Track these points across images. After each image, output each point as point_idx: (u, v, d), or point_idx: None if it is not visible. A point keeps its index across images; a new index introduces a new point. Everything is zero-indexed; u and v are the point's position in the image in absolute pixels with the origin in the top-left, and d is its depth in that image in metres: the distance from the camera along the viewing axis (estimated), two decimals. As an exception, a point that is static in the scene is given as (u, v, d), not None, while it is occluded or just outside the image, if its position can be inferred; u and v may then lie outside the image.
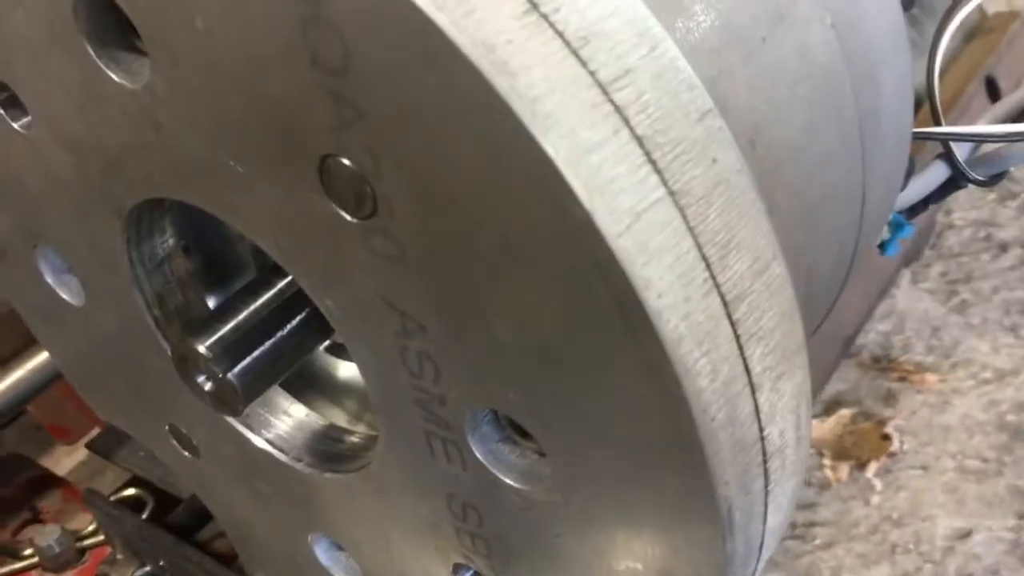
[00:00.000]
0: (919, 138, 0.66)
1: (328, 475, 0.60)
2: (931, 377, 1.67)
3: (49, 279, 0.68)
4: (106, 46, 0.49)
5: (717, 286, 0.39)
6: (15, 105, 0.57)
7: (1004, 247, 1.86)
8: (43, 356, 1.01)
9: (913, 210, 0.76)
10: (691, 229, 0.38)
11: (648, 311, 0.36)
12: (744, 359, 0.40)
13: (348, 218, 0.44)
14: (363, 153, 0.41)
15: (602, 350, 0.39)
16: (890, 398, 1.63)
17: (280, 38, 0.39)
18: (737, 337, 0.40)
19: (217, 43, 0.42)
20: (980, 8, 1.63)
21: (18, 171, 0.61)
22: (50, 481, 1.17)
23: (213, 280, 0.65)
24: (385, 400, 0.51)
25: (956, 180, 0.74)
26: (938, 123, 0.70)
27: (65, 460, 1.35)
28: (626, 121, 0.37)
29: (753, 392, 0.40)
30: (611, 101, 0.37)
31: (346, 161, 0.42)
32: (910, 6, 0.62)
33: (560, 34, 0.37)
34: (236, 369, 0.54)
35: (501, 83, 0.35)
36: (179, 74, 0.45)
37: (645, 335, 0.37)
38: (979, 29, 1.64)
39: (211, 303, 0.65)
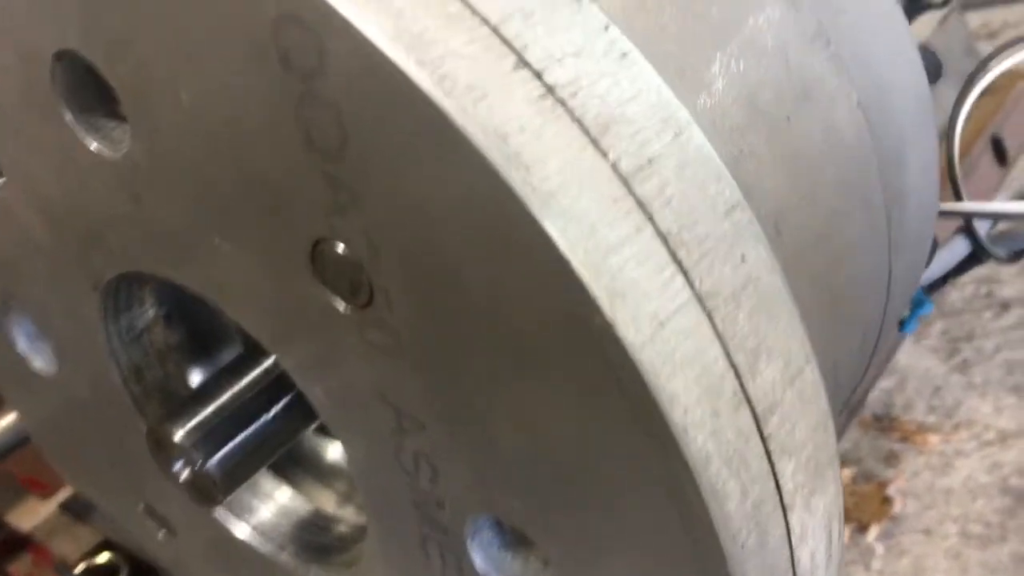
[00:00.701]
0: (942, 216, 0.63)
1: (314, 570, 0.56)
2: (933, 438, 1.63)
3: (21, 345, 0.64)
4: (85, 112, 0.45)
5: (747, 397, 0.35)
6: (-11, 166, 0.54)
7: (1006, 305, 1.83)
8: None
9: (931, 285, 0.73)
10: (719, 335, 0.35)
11: (673, 429, 0.33)
12: (775, 477, 0.36)
13: (342, 307, 0.40)
14: (359, 240, 0.37)
15: (619, 466, 0.35)
16: (892, 459, 1.59)
17: (271, 115, 0.36)
18: (768, 453, 0.36)
19: (202, 117, 0.39)
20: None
21: (-9, 233, 0.57)
22: (20, 542, 1.12)
23: (195, 352, 0.61)
24: (377, 499, 0.47)
25: (977, 256, 0.71)
26: (959, 198, 0.67)
27: (32, 514, 1.30)
28: (649, 217, 0.34)
29: (784, 513, 0.36)
30: (633, 195, 0.34)
31: (341, 247, 0.38)
32: (936, 79, 0.59)
33: (578, 121, 0.34)
34: (216, 458, 0.50)
35: (514, 177, 0.31)
36: (161, 146, 0.42)
37: (669, 454, 0.33)
38: (977, 69, 1.63)
39: (193, 376, 0.61)
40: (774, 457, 0.36)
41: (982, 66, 0.70)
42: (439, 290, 0.36)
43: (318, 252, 0.39)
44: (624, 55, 0.36)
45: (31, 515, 1.27)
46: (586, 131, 0.33)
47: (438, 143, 0.32)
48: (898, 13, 0.55)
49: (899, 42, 0.54)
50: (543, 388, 0.35)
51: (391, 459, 0.44)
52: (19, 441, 0.98)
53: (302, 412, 0.54)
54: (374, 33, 0.31)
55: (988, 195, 1.13)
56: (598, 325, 0.32)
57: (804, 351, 0.38)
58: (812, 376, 0.38)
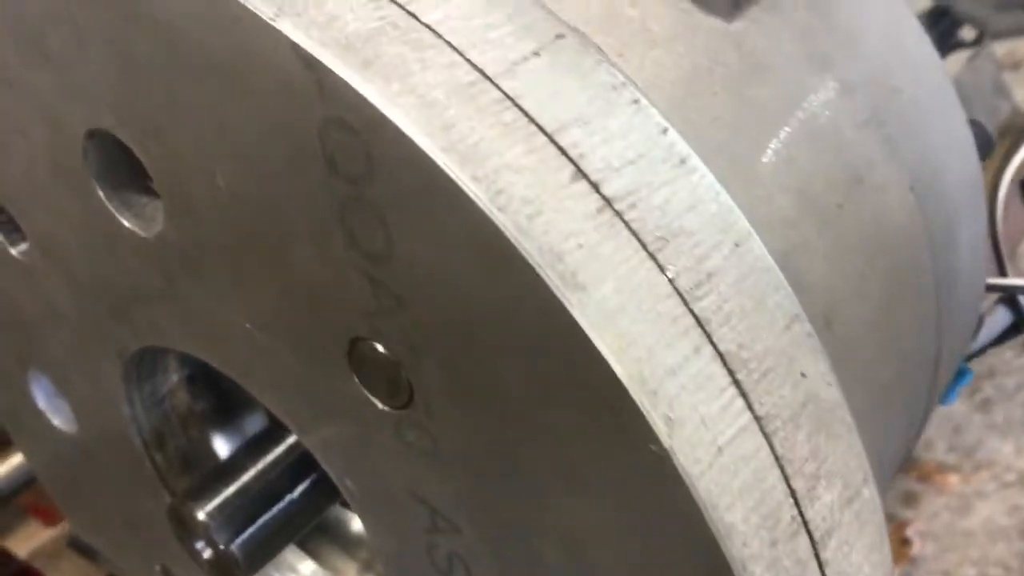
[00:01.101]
0: (987, 290, 0.61)
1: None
2: (953, 478, 1.60)
3: (41, 404, 0.63)
4: (116, 188, 0.44)
5: (805, 523, 0.34)
6: (14, 229, 0.52)
7: (1027, 344, 1.80)
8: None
9: (971, 355, 0.71)
10: (778, 459, 0.33)
11: (731, 562, 0.31)
12: (831, 603, 0.35)
13: (378, 405, 0.38)
14: (401, 343, 0.36)
15: (670, 595, 0.33)
16: (911, 499, 1.57)
17: (313, 214, 0.35)
18: (824, 579, 0.34)
19: (241, 206, 0.37)
20: (1013, 104, 1.60)
21: (12, 294, 0.56)
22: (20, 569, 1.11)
23: (218, 418, 0.60)
24: (406, 592, 0.46)
25: (1019, 326, 0.69)
26: (1002, 271, 0.65)
27: (30, 540, 1.28)
28: (708, 336, 0.32)
29: (840, 643, 0.35)
30: (691, 312, 0.32)
31: (380, 347, 0.37)
32: (987, 154, 0.58)
33: (636, 234, 0.32)
34: (239, 539, 0.49)
35: (570, 298, 0.30)
36: (196, 229, 0.40)
37: (724, 587, 0.32)
38: (1011, 127, 1.60)
39: (216, 443, 0.59)
40: (831, 584, 0.34)
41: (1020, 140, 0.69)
42: (483, 400, 0.34)
43: (356, 350, 0.38)
44: (683, 161, 0.34)
45: (30, 540, 1.25)
46: (644, 246, 0.32)
47: (491, 257, 0.31)
48: (950, 89, 0.53)
49: (952, 120, 0.52)
50: (593, 509, 0.34)
51: (423, 555, 0.43)
52: (30, 480, 0.97)
53: (328, 490, 0.53)
54: (427, 144, 0.30)
55: (1017, 241, 1.11)
56: (654, 453, 0.30)
57: (862, 470, 0.36)
58: (870, 494, 0.36)
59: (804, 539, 0.33)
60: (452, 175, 0.30)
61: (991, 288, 0.63)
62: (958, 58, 1.38)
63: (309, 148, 0.33)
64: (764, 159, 0.43)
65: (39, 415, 0.63)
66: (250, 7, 0.31)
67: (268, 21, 0.31)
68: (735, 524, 0.31)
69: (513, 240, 0.30)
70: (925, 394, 0.53)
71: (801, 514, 0.33)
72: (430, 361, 0.35)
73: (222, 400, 0.61)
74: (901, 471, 1.60)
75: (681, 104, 0.42)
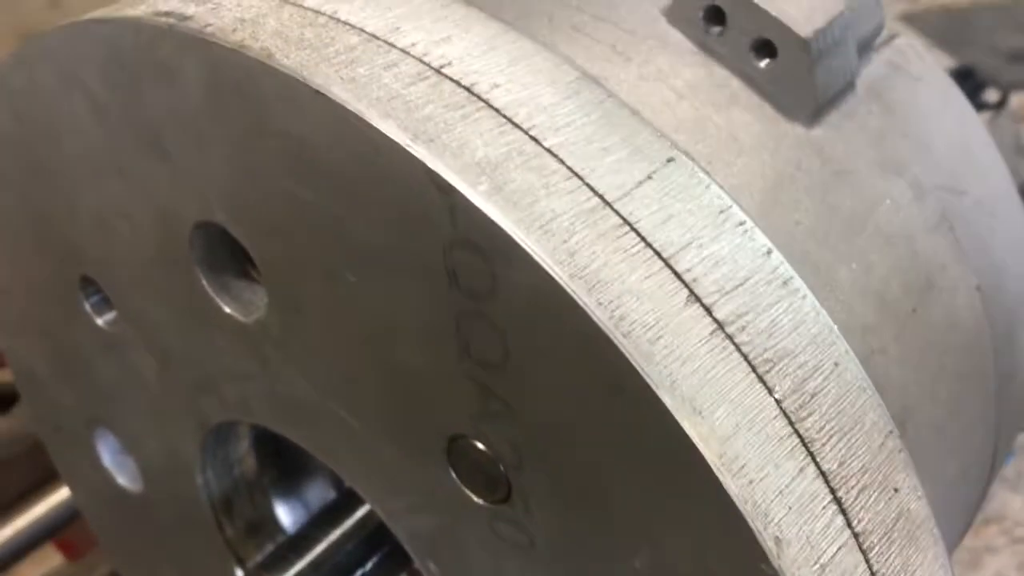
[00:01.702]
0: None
1: None
2: (963, 534, 1.61)
3: (106, 462, 0.64)
4: (218, 273, 0.46)
5: (896, 635, 0.35)
6: (102, 300, 0.54)
7: (1039, 401, 1.81)
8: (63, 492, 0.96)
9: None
10: (874, 574, 0.34)
11: (830, 677, 0.32)
12: None
13: (474, 499, 0.40)
14: (505, 445, 0.37)
15: None
16: (923, 556, 1.57)
17: (429, 322, 0.36)
18: None
19: (353, 306, 0.39)
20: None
21: (90, 358, 0.58)
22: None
23: (283, 484, 0.61)
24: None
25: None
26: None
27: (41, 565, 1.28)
28: (811, 456, 0.34)
29: None
30: (796, 433, 0.34)
31: (481, 446, 0.38)
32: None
33: (746, 357, 0.34)
34: (315, 612, 0.50)
35: (689, 423, 0.31)
36: (301, 322, 0.42)
37: None
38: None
39: (279, 511, 0.61)
40: None
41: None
42: (587, 505, 0.36)
43: (455, 447, 0.39)
44: (785, 283, 0.36)
45: (44, 562, 1.26)
46: (753, 368, 0.34)
47: (611, 379, 0.32)
48: (1013, 190, 0.55)
49: (1014, 220, 0.54)
50: (692, 616, 0.35)
51: (504, 640, 0.44)
52: (71, 517, 0.98)
53: (398, 561, 0.54)
54: (556, 271, 0.32)
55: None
56: (765, 572, 0.32)
57: (947, 578, 0.37)
58: (952, 603, 0.38)
59: (896, 652, 0.35)
60: (579, 301, 0.31)
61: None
62: (980, 119, 1.39)
63: (432, 263, 0.34)
64: (844, 266, 0.44)
65: (102, 472, 0.65)
66: (386, 132, 0.33)
67: (405, 147, 0.33)
68: (836, 640, 0.33)
69: (636, 365, 0.31)
70: (983, 485, 0.55)
71: (894, 628, 0.35)
72: (534, 465, 0.36)
73: (285, 467, 0.62)
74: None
75: (768, 211, 0.44)
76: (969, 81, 1.47)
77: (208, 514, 0.59)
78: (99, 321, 0.54)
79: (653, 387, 0.31)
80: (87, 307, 0.54)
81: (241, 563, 0.58)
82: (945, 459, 0.48)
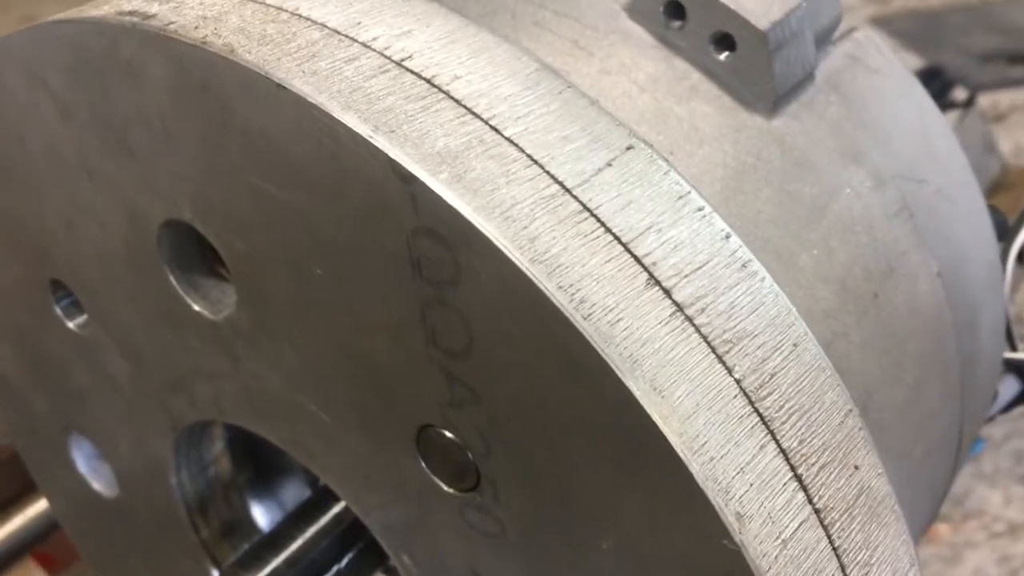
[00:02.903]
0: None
1: None
2: (942, 528, 1.62)
3: (81, 467, 0.64)
4: (187, 271, 0.46)
5: (859, 610, 0.36)
6: (73, 304, 0.54)
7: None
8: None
9: (980, 423, 0.73)
10: (836, 550, 0.35)
11: (794, 650, 0.33)
12: None
13: (444, 487, 0.40)
14: (472, 433, 0.38)
15: None
16: (902, 551, 1.58)
17: (395, 311, 0.37)
18: (876, 663, 0.36)
19: (321, 299, 0.39)
20: (1002, 161, 1.64)
21: (63, 362, 0.58)
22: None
23: (258, 485, 0.61)
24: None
25: (1028, 396, 0.71)
26: (1013, 346, 0.68)
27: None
28: (772, 434, 0.34)
29: None
30: (756, 412, 0.34)
31: (449, 434, 0.38)
32: (1002, 238, 0.60)
33: (705, 338, 0.34)
34: (290, 609, 0.50)
35: (650, 402, 0.32)
36: (270, 317, 0.42)
37: (787, 673, 0.33)
38: (1001, 184, 1.64)
39: (255, 512, 0.61)
40: (883, 667, 0.36)
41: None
42: (554, 489, 0.36)
43: (425, 436, 0.40)
44: (744, 265, 0.36)
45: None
46: (713, 349, 0.34)
47: (574, 363, 0.33)
48: (973, 180, 0.56)
49: (974, 208, 0.55)
50: (659, 596, 0.36)
51: (478, 630, 0.44)
52: (50, 528, 0.98)
53: (374, 557, 0.54)
54: (517, 256, 0.32)
55: (1016, 288, 1.14)
56: (727, 548, 0.32)
57: (909, 555, 0.38)
58: (915, 577, 0.38)
59: (859, 626, 0.35)
60: (539, 285, 0.32)
61: (1009, 363, 0.65)
62: (948, 118, 1.41)
63: (396, 252, 0.35)
64: (806, 252, 0.45)
65: (78, 478, 0.65)
66: (348, 124, 0.34)
67: (367, 138, 0.33)
68: (799, 614, 0.33)
69: (597, 347, 0.32)
70: (949, 468, 0.56)
71: (857, 602, 0.35)
72: (501, 451, 0.37)
73: (261, 467, 0.62)
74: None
75: (729, 200, 0.44)
76: (937, 80, 1.49)
77: (184, 517, 0.59)
78: (70, 324, 0.54)
79: (614, 368, 0.32)
80: (58, 311, 0.54)
81: (217, 565, 0.58)
82: (909, 441, 0.49)
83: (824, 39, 0.51)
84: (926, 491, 0.53)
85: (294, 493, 0.62)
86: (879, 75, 0.53)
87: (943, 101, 1.53)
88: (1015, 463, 1.70)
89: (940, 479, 0.55)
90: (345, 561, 0.53)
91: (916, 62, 1.58)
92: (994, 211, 0.57)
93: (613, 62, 0.46)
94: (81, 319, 0.54)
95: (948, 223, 0.52)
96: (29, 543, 1.00)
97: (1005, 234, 0.65)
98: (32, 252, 0.52)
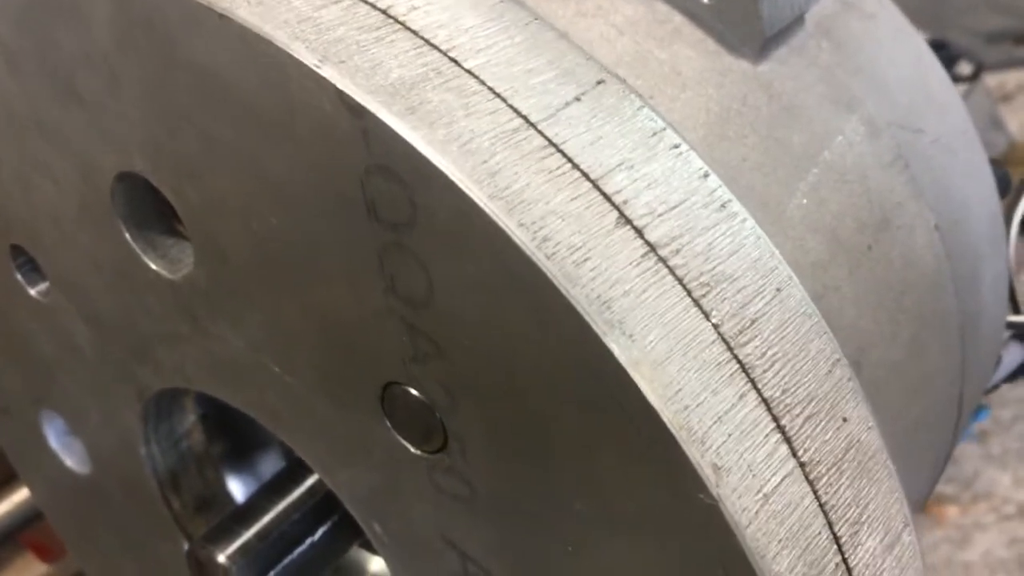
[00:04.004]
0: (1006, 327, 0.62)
1: None
2: (951, 510, 1.60)
3: (53, 443, 0.62)
4: (143, 229, 0.44)
5: (849, 571, 0.33)
6: (33, 270, 0.52)
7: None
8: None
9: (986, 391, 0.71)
10: (822, 506, 0.33)
11: (778, 613, 0.31)
12: (874, 652, 0.34)
13: (411, 449, 0.38)
14: (437, 389, 0.35)
15: (714, 646, 0.33)
16: (909, 532, 1.56)
17: (352, 260, 0.34)
18: (868, 627, 0.34)
19: (276, 251, 0.37)
20: (1008, 137, 1.62)
21: (29, 333, 0.56)
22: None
23: (234, 459, 0.59)
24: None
25: (1033, 363, 0.69)
26: (1016, 309, 0.66)
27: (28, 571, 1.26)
28: (752, 382, 0.32)
29: None
30: (736, 359, 0.32)
31: (415, 392, 0.36)
32: (1005, 193, 0.58)
33: (680, 280, 0.32)
34: (261, 583, 0.48)
35: (617, 345, 0.30)
36: (226, 273, 0.40)
37: (771, 638, 0.31)
38: (1008, 160, 1.61)
39: (231, 485, 0.59)
40: (875, 632, 0.34)
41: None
42: (523, 446, 0.34)
43: (389, 394, 0.37)
44: (723, 206, 0.34)
45: (25, 572, 1.23)
46: (688, 292, 0.32)
47: (537, 304, 0.30)
48: (972, 130, 0.53)
49: (974, 160, 0.53)
50: (633, 556, 0.33)
51: (452, 601, 0.42)
52: (34, 516, 0.96)
53: (348, 531, 0.52)
54: (474, 191, 0.30)
55: (1018, 270, 1.11)
56: (703, 501, 0.30)
57: (902, 515, 0.36)
58: (909, 539, 0.36)
59: (849, 587, 0.33)
60: (499, 222, 0.30)
61: (1012, 326, 0.63)
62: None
63: (350, 194, 0.33)
64: (795, 201, 0.43)
65: (51, 455, 0.63)
66: (294, 54, 0.31)
67: (313, 68, 0.31)
68: (782, 573, 0.31)
69: (561, 288, 0.30)
70: (949, 434, 0.53)
71: (845, 561, 0.33)
72: (468, 406, 0.35)
73: (237, 441, 0.60)
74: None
75: (712, 146, 0.42)
76: (942, 53, 1.46)
77: (155, 492, 0.57)
78: (32, 292, 0.52)
79: (580, 310, 0.29)
80: (19, 277, 0.52)
81: (190, 540, 0.56)
82: (906, 402, 0.47)
83: (815, -18, 0.48)
84: (925, 455, 0.51)
85: (272, 467, 0.60)
86: (874, 21, 0.51)
87: (948, 75, 1.50)
88: (1024, 444, 1.67)
89: (940, 444, 0.52)
90: (319, 534, 0.50)
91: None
92: (996, 166, 0.55)
93: (589, 4, 0.44)
94: (43, 286, 0.52)
95: (946, 174, 0.50)
96: (13, 530, 0.99)
97: (1008, 189, 0.63)
98: (-10, 216, 0.50)
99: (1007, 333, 0.69)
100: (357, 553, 0.59)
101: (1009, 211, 0.69)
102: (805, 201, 0.43)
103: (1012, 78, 2.18)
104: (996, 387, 0.71)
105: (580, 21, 0.43)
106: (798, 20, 0.47)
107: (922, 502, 0.56)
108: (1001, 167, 0.58)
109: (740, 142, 0.43)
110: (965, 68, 1.58)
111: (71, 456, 0.62)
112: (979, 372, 0.55)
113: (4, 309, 0.56)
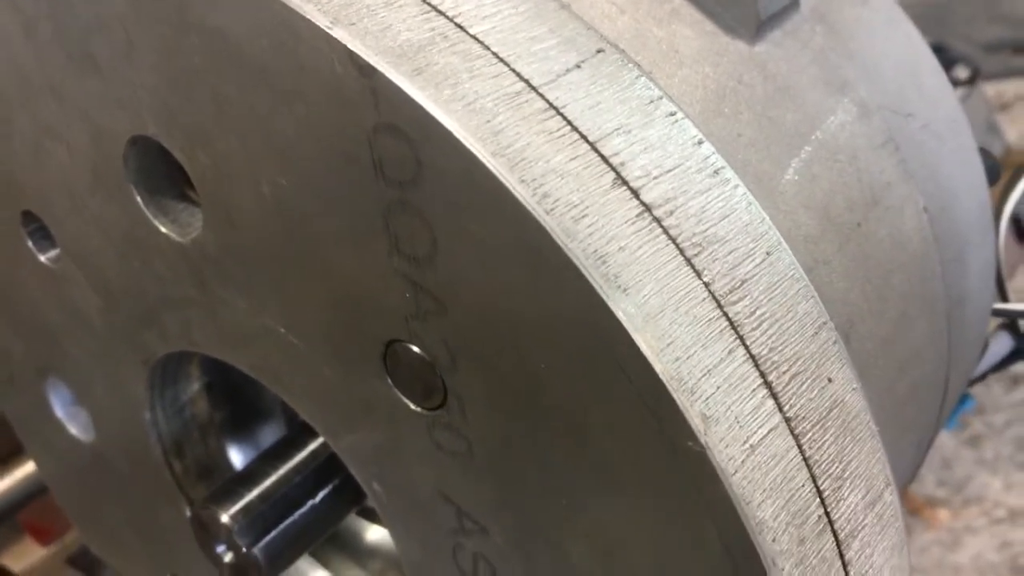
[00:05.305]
0: (992, 314, 0.63)
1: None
2: (943, 513, 1.61)
3: (58, 411, 0.63)
4: (155, 194, 0.45)
5: (831, 523, 0.35)
6: (44, 237, 0.53)
7: (1016, 380, 1.82)
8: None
9: (972, 380, 0.72)
10: (806, 460, 0.34)
11: (762, 557, 0.32)
12: (854, 604, 0.36)
13: (411, 406, 0.39)
14: (438, 346, 0.37)
15: (701, 593, 0.34)
16: (902, 534, 1.57)
17: (358, 218, 0.36)
18: (848, 580, 0.35)
19: (283, 212, 0.38)
20: (1005, 142, 1.63)
21: (36, 301, 0.57)
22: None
23: (236, 428, 0.60)
24: (429, 596, 0.46)
25: (1021, 352, 0.70)
26: (1004, 298, 0.67)
27: (27, 555, 1.27)
28: (741, 339, 0.33)
29: (863, 642, 0.36)
30: (726, 316, 0.33)
31: (416, 349, 0.38)
32: (994, 181, 0.59)
33: (673, 240, 0.33)
34: (262, 542, 0.50)
35: (613, 299, 0.31)
36: (235, 235, 0.41)
37: (755, 584, 0.32)
38: (1004, 165, 1.63)
39: (232, 454, 0.60)
40: (856, 584, 0.35)
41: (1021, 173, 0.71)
42: (521, 401, 0.35)
43: (391, 352, 0.39)
44: (716, 172, 0.35)
45: (25, 556, 1.24)
46: (681, 251, 0.33)
47: (536, 259, 0.32)
48: (962, 118, 0.55)
49: (963, 147, 0.54)
50: (624, 508, 0.35)
51: (448, 558, 0.44)
52: (36, 492, 0.97)
53: (349, 495, 0.53)
54: (478, 148, 0.31)
55: (1010, 274, 1.13)
56: (692, 450, 0.31)
57: (884, 474, 0.37)
58: (891, 499, 0.37)
59: (829, 538, 0.34)
60: (501, 178, 0.31)
61: (997, 313, 0.64)
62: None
63: (358, 153, 0.34)
64: (787, 177, 0.44)
65: (55, 424, 0.64)
66: (307, 16, 0.33)
67: (325, 29, 0.32)
68: (766, 520, 0.32)
69: (560, 242, 0.31)
70: (934, 415, 0.55)
71: (827, 514, 0.34)
72: (467, 363, 0.36)
73: (239, 411, 0.61)
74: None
75: (708, 122, 0.43)
76: (940, 57, 1.47)
77: (159, 457, 0.58)
78: (42, 258, 0.54)
79: (577, 264, 0.31)
80: (30, 244, 0.54)
81: (192, 505, 0.57)
82: (893, 376, 0.48)
83: (810, -31, 0.50)
84: (910, 432, 0.52)
85: (271, 437, 0.61)
86: (867, 7, 0.52)
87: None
88: (1016, 449, 1.69)
89: (924, 424, 0.54)
90: (320, 497, 0.52)
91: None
92: (985, 155, 0.56)
93: (591, -17, 0.45)
94: (53, 253, 0.54)
95: (935, 159, 0.51)
96: (14, 507, 1.00)
97: (996, 178, 0.64)
98: (2, 184, 0.52)
99: (995, 321, 0.70)
100: (355, 522, 0.61)
101: (999, 203, 0.70)
102: (797, 177, 0.45)
103: (1011, 87, 2.19)
104: (983, 376, 0.72)
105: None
106: (793, 4, 0.48)
107: (904, 484, 0.58)
108: (991, 157, 0.59)
109: (735, 119, 0.44)
110: (962, 72, 1.59)
111: (76, 424, 0.63)
112: (965, 356, 0.56)
113: (12, 277, 0.57)
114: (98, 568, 1.07)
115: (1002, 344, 0.70)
